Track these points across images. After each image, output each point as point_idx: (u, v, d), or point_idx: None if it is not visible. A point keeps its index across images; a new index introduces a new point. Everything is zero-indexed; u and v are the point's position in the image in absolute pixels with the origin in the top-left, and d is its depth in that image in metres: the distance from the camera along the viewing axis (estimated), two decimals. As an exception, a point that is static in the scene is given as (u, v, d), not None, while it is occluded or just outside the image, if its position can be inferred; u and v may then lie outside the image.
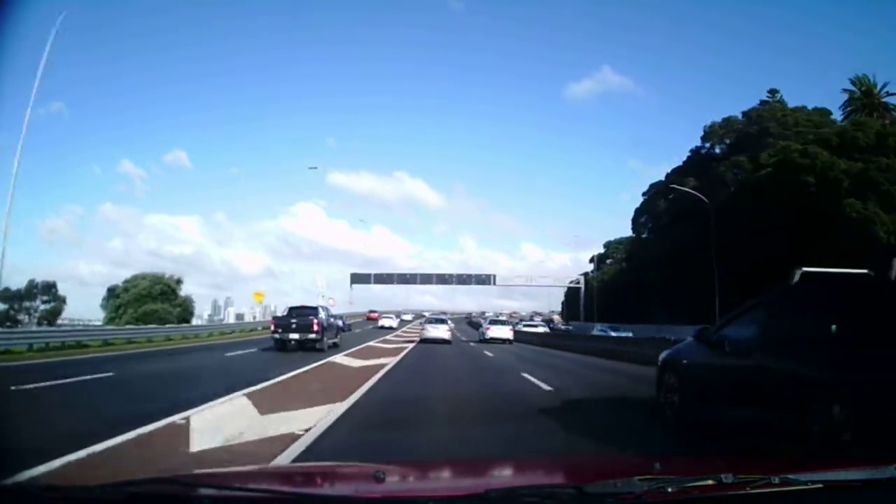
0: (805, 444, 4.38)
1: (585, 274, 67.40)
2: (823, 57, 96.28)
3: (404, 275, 67.12)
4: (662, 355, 7.48)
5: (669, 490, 1.72)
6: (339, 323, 33.46)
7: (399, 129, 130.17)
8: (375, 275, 66.57)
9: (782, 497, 1.79)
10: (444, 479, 2.59)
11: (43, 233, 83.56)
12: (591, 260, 68.16)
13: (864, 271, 5.32)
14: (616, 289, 55.21)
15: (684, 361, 6.71)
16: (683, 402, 6.46)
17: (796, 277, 5.28)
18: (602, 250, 69.57)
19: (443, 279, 66.72)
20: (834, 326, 4.56)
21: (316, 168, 51.75)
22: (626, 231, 64.81)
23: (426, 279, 66.84)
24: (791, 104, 47.85)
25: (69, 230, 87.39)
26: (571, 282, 69.93)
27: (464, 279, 66.54)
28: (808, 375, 4.53)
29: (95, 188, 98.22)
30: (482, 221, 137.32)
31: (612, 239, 70.67)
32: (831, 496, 1.84)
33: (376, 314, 57.00)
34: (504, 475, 2.67)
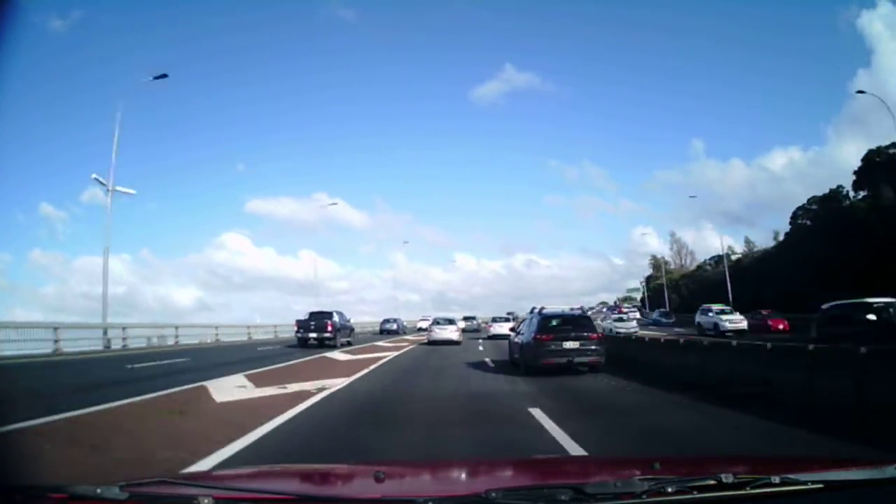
0: (517, 364, 14.31)
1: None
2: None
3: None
4: (509, 337, 18.00)
5: (670, 490, 1.72)
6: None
7: (311, 152, 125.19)
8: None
9: (782, 497, 1.79)
10: (444, 479, 2.59)
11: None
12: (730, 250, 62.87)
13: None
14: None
15: (511, 340, 16.57)
16: (510, 354, 16.14)
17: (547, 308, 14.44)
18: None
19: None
20: (532, 327, 13.80)
21: (166, 76, 37.68)
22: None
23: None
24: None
25: (1, 279, 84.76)
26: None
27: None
28: (520, 343, 14.36)
29: (21, 235, 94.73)
30: (410, 235, 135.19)
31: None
32: (831, 496, 1.83)
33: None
34: (504, 475, 2.66)
